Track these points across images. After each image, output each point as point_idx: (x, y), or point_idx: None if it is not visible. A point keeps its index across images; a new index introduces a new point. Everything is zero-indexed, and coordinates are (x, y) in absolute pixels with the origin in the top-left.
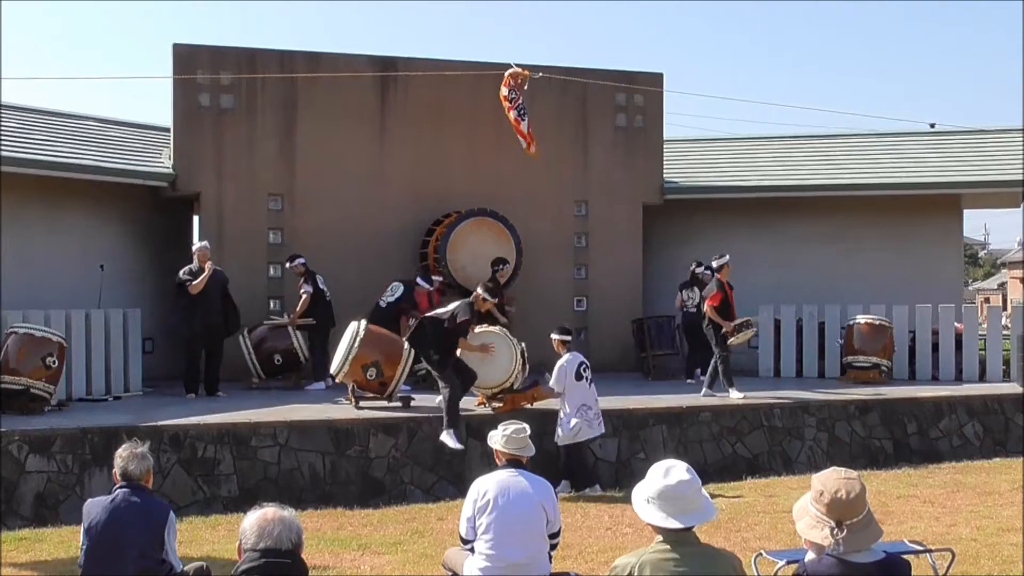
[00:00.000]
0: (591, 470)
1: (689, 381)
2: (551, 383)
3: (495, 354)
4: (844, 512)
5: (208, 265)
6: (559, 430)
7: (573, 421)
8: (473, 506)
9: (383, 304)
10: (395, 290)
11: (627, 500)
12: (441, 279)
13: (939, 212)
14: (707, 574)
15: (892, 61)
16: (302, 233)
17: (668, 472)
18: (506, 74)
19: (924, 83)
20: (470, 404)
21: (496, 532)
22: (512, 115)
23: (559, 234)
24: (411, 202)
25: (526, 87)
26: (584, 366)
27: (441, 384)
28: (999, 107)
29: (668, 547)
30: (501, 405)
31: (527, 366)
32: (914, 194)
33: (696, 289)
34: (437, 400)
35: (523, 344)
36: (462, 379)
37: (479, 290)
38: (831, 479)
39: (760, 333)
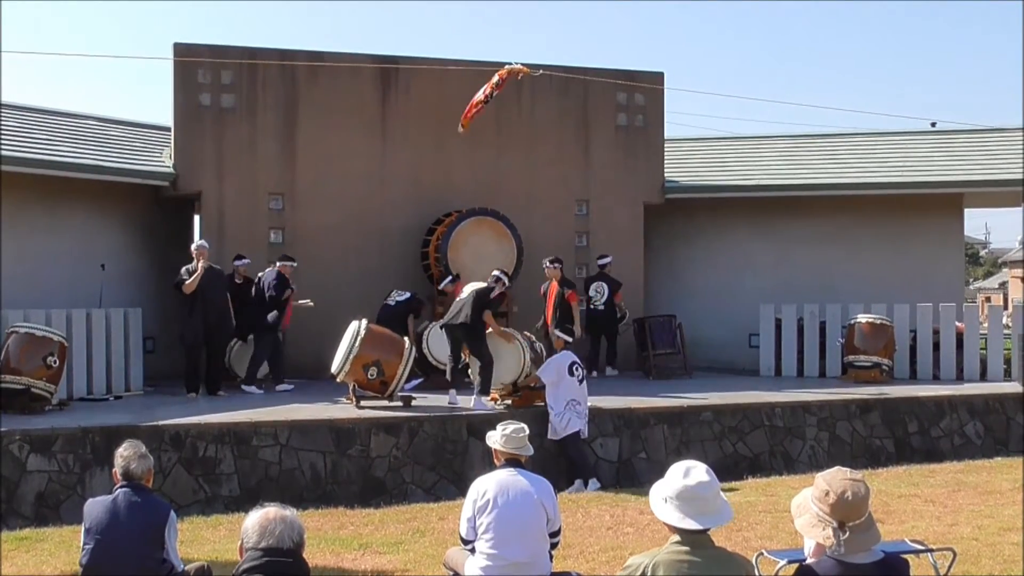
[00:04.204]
0: (592, 465)
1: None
2: (540, 371)
3: (502, 355)
4: (848, 514)
5: (201, 264)
6: (551, 427)
7: (565, 415)
8: (473, 506)
9: (391, 303)
10: (403, 293)
11: (628, 499)
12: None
13: (940, 211)
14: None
15: (893, 60)
16: (303, 232)
17: (688, 472)
18: (505, 68)
19: (925, 82)
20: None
21: (497, 532)
22: (480, 96)
23: (560, 234)
24: (412, 201)
25: (519, 77)
26: (576, 365)
27: (476, 357)
28: (1000, 106)
29: (682, 548)
30: (518, 398)
31: (542, 359)
32: (915, 193)
33: (604, 284)
34: (447, 400)
35: (539, 344)
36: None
37: (496, 272)
38: (837, 480)
39: (761, 332)
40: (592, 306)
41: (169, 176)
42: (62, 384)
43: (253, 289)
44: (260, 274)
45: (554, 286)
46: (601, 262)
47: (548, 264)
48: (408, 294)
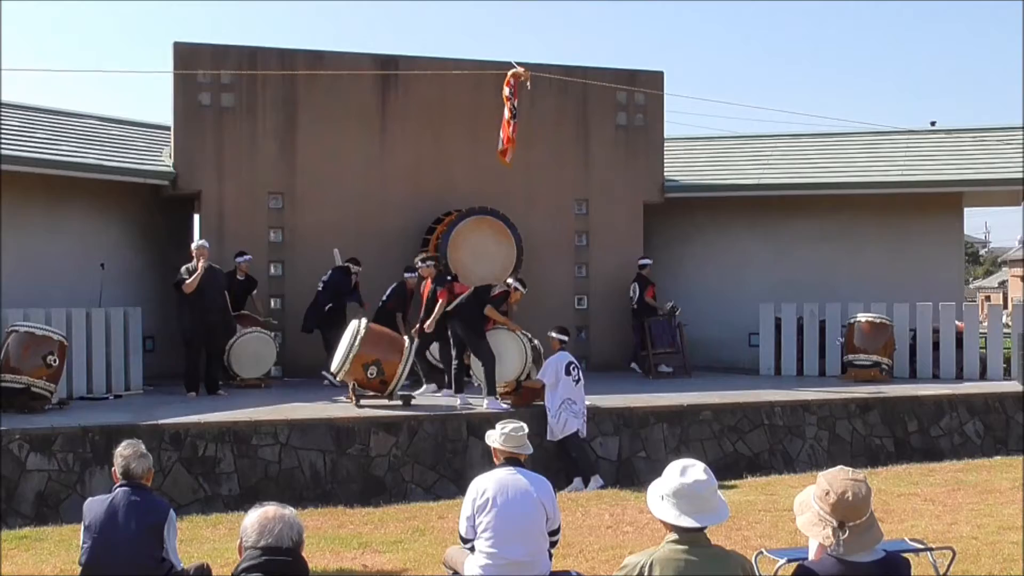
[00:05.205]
0: (593, 462)
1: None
2: (540, 375)
3: (504, 354)
4: (848, 513)
5: (201, 264)
6: (549, 428)
7: (560, 416)
8: (472, 505)
9: (379, 304)
10: (388, 289)
11: (628, 498)
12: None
13: (940, 210)
14: (717, 574)
15: (893, 59)
16: (303, 232)
17: (685, 471)
18: (508, 74)
19: (925, 81)
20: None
21: (496, 530)
22: (507, 115)
23: (560, 233)
24: (412, 201)
25: (528, 85)
26: (573, 365)
27: (476, 358)
28: (1000, 106)
29: (679, 546)
30: (518, 398)
31: (541, 360)
32: (915, 192)
33: (636, 284)
34: (457, 402)
35: (535, 341)
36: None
37: (510, 280)
38: (838, 479)
39: (761, 331)
40: (632, 306)
41: (169, 175)
42: (62, 383)
43: (319, 292)
44: (323, 276)
45: (427, 284)
46: (640, 262)
47: (420, 263)
48: (391, 287)
